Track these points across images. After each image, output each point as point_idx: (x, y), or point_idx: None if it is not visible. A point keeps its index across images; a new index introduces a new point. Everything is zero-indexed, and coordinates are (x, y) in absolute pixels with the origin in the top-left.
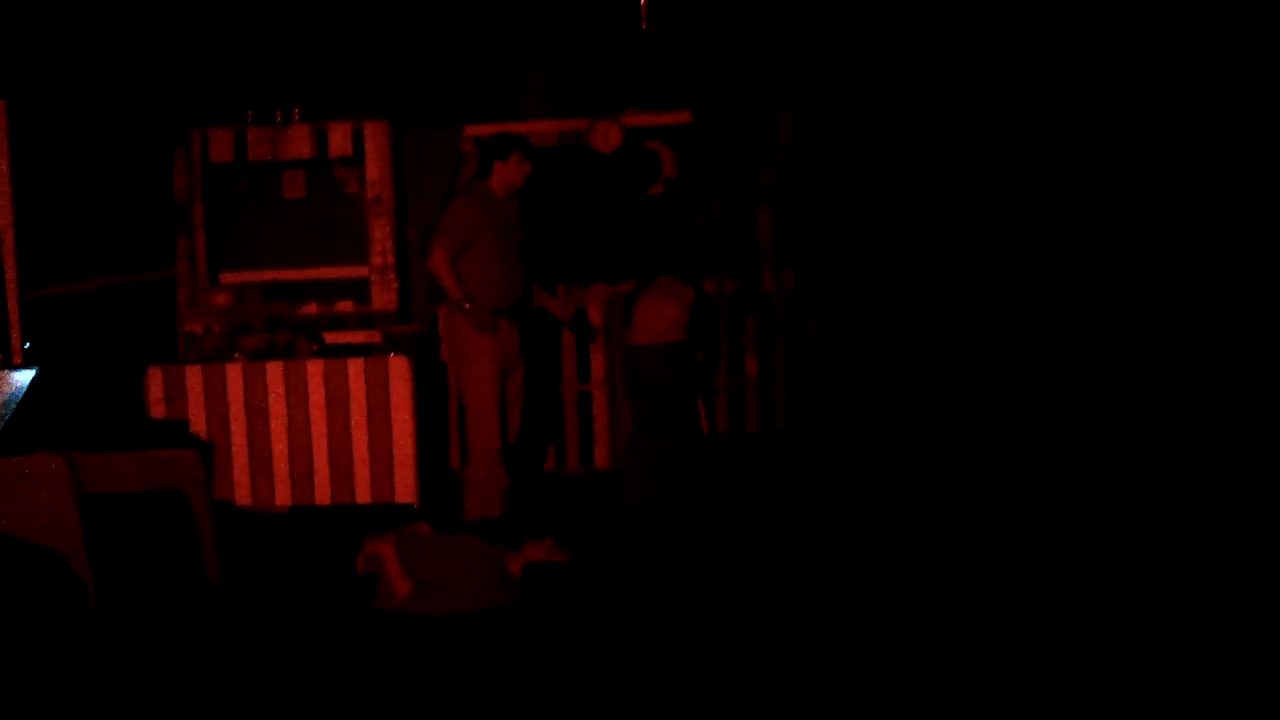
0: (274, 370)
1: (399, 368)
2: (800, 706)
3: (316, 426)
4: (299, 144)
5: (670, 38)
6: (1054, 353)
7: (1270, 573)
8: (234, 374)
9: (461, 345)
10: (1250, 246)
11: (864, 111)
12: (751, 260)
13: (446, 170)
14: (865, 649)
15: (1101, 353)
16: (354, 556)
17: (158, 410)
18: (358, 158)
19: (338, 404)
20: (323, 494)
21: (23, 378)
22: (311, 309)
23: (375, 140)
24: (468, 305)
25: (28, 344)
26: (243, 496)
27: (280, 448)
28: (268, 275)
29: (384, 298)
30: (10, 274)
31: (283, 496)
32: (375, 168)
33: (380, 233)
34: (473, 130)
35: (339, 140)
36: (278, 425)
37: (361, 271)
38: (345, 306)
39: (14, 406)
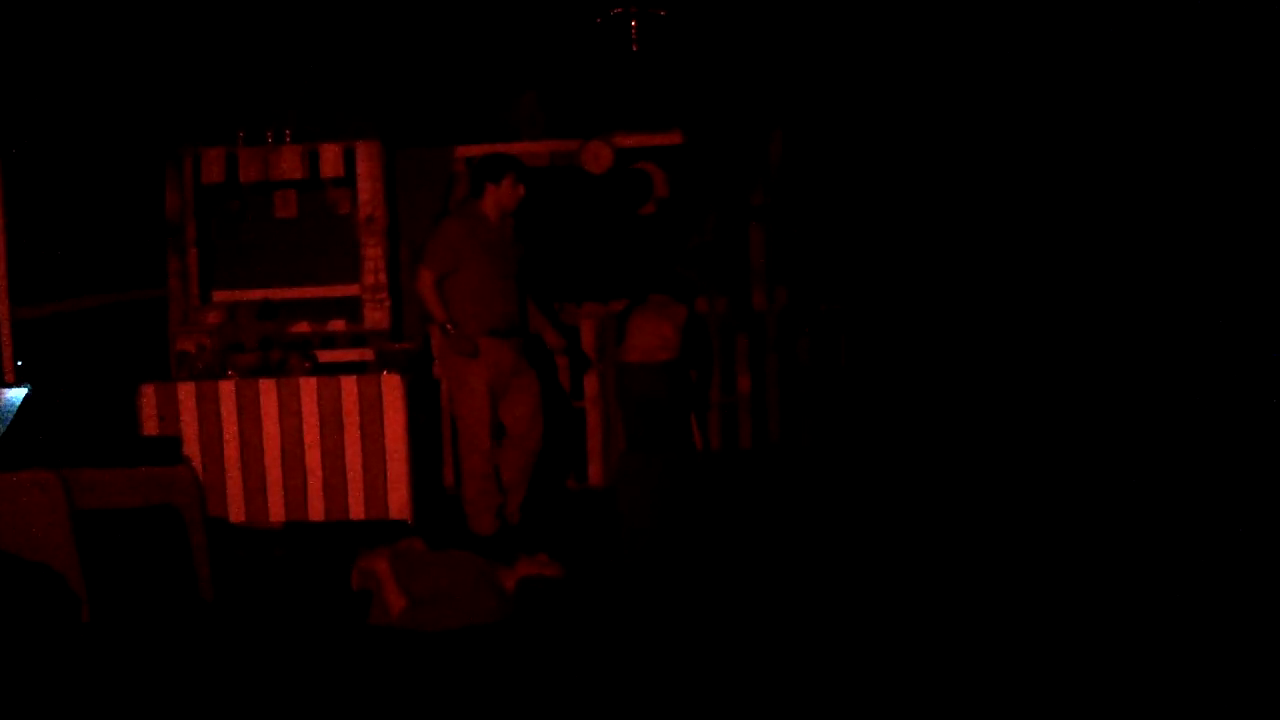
0: (267, 388)
1: (392, 385)
2: (793, 716)
3: (310, 443)
4: (291, 164)
5: (661, 59)
6: (1046, 366)
7: (1270, 573)
8: (227, 391)
9: (452, 366)
10: (1250, 249)
11: (854, 131)
12: (743, 279)
13: (438, 190)
14: (858, 663)
15: (1095, 362)
16: (348, 572)
17: (151, 427)
18: (349, 178)
19: (331, 421)
20: (316, 510)
21: (15, 395)
22: (304, 327)
23: (367, 160)
24: (450, 328)
25: (20, 362)
26: (236, 513)
27: (274, 464)
28: (260, 294)
29: (376, 316)
30: (2, 292)
31: (276, 513)
32: (367, 188)
33: (372, 252)
34: (464, 151)
35: (331, 160)
36: (271, 442)
37: (353, 290)
38: (337, 325)
39: (6, 423)
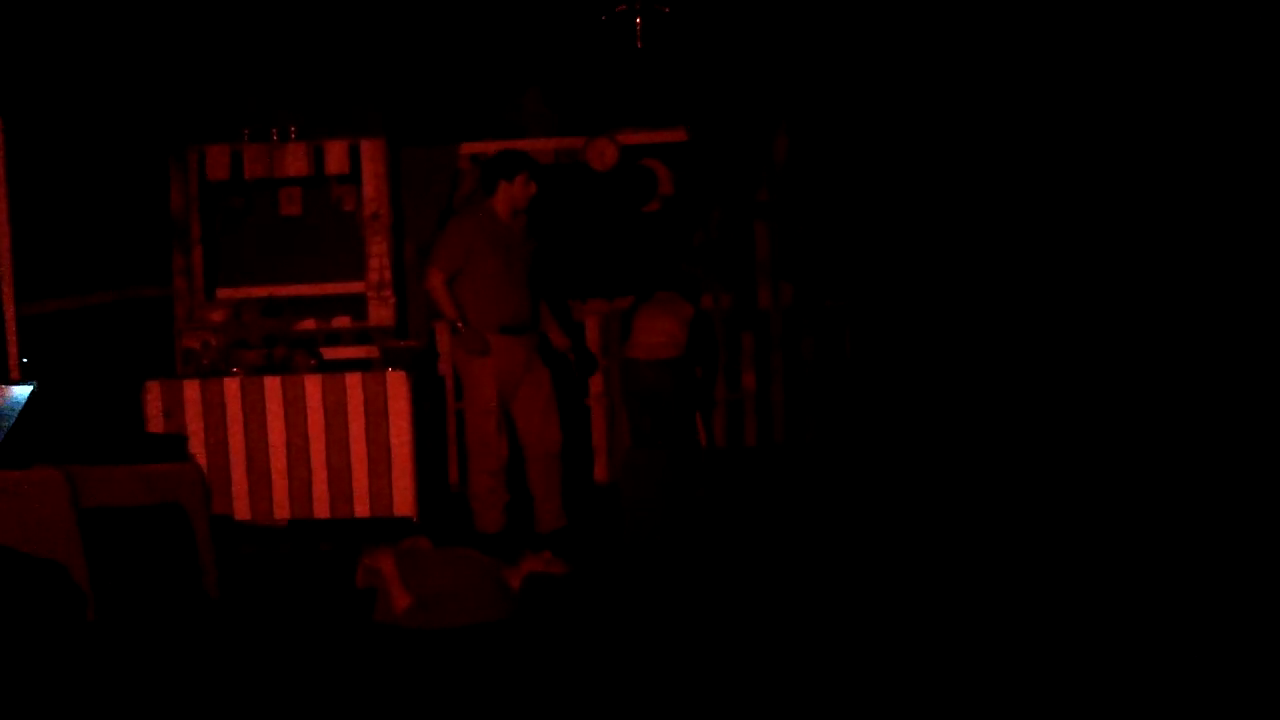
0: (272, 385)
1: (397, 382)
2: (797, 713)
3: (315, 440)
4: (296, 161)
5: (666, 56)
6: (1051, 363)
7: (1270, 573)
8: (232, 389)
9: (462, 364)
10: (1248, 250)
11: (859, 127)
12: (748, 276)
13: (443, 187)
14: (861, 659)
15: (1099, 362)
16: (353, 570)
17: (156, 425)
18: (354, 175)
19: (336, 418)
20: (321, 508)
21: (21, 392)
22: (309, 324)
23: (372, 157)
24: (461, 326)
25: (25, 359)
26: (241, 510)
27: (279, 462)
28: (265, 291)
29: (381, 313)
30: (7, 289)
31: (281, 510)
32: (372, 185)
33: (377, 249)
34: (469, 148)
35: (336, 157)
36: (276, 439)
37: (358, 287)
38: (342, 322)
39: (12, 421)
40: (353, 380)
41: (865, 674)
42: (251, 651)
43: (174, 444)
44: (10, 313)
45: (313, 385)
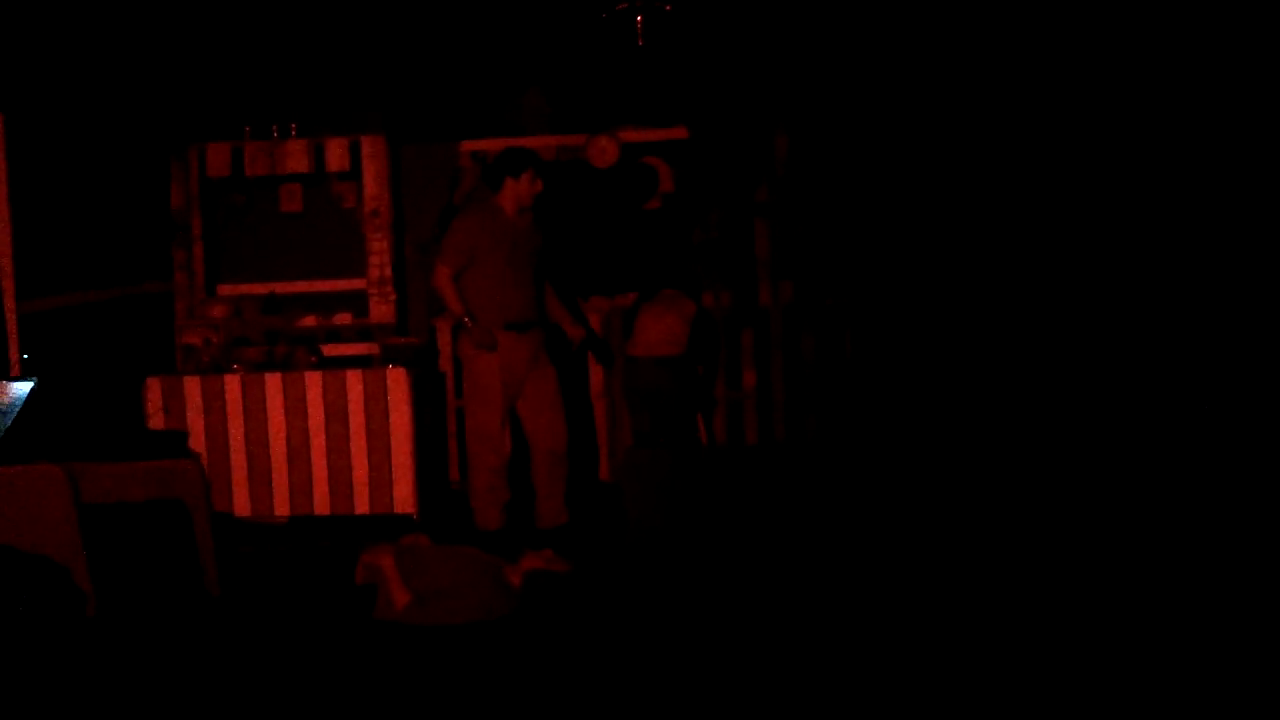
0: (272, 381)
1: (398, 379)
2: (798, 712)
3: (315, 437)
4: (296, 158)
5: (666, 54)
6: (1051, 362)
7: (1270, 573)
8: (232, 385)
9: (468, 360)
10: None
11: (860, 126)
12: (749, 273)
13: (444, 184)
14: (863, 657)
15: (1099, 362)
16: (353, 567)
17: (156, 421)
18: (355, 172)
19: (336, 415)
20: (322, 505)
21: (21, 388)
22: (309, 321)
23: (372, 154)
24: (468, 322)
25: (26, 355)
26: (242, 507)
27: (279, 459)
28: (266, 288)
29: (382, 310)
30: (8, 285)
31: (282, 507)
32: (372, 182)
33: (378, 246)
34: (470, 145)
35: (336, 155)
36: (276, 436)
37: (359, 284)
38: (343, 319)
39: (12, 417)
40: (353, 377)
41: (865, 671)
42: (251, 648)
43: (174, 440)
44: (11, 309)
45: (313, 382)
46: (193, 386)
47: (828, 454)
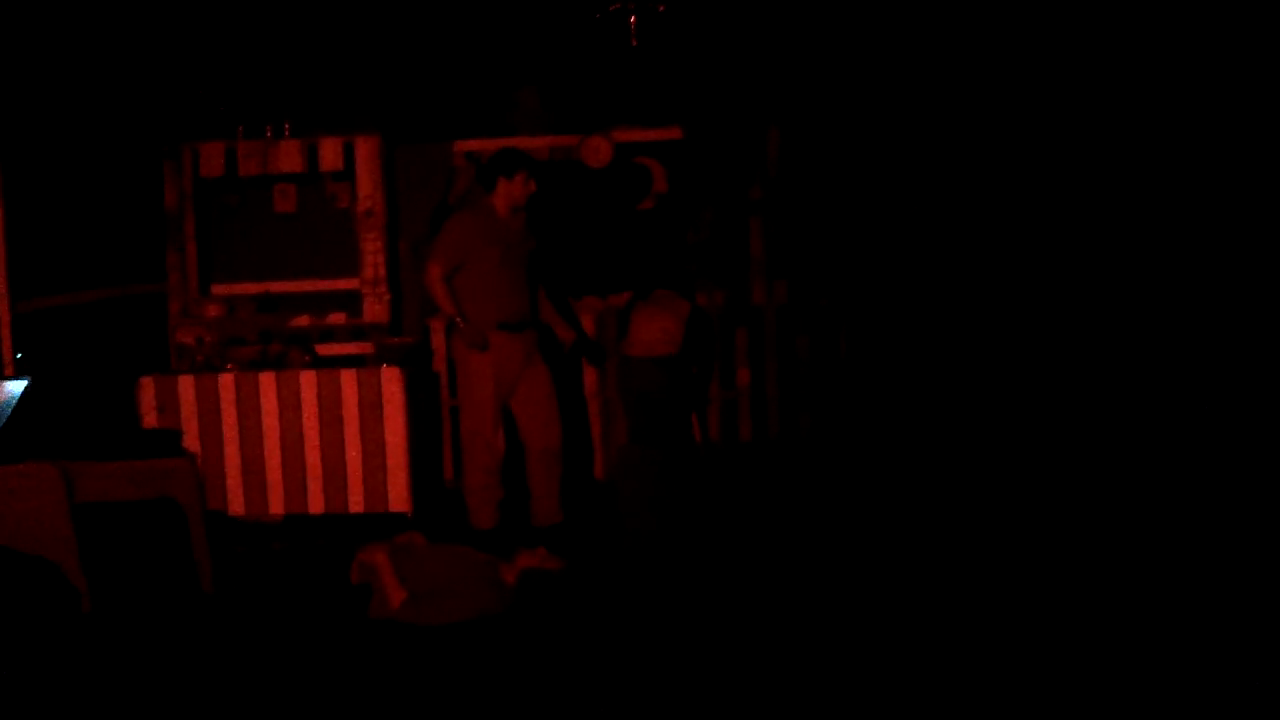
0: (266, 381)
1: (391, 378)
2: (793, 711)
3: (309, 436)
4: (290, 158)
5: (660, 54)
6: (1047, 360)
7: (1270, 573)
8: (226, 384)
9: (460, 360)
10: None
11: (853, 125)
12: (743, 273)
13: (437, 184)
14: (858, 656)
15: (1094, 357)
16: (347, 566)
17: (150, 420)
18: (348, 172)
19: (330, 414)
20: (316, 503)
21: (15, 387)
22: (303, 321)
23: (366, 154)
24: (460, 322)
25: (19, 355)
26: (236, 506)
27: (273, 457)
28: (260, 287)
29: (375, 310)
30: (2, 286)
31: (276, 506)
32: (366, 182)
33: (371, 246)
34: (463, 145)
35: (330, 155)
36: (271, 435)
37: (353, 284)
38: (337, 318)
39: (6, 417)
40: (347, 376)
41: (862, 669)
42: (246, 647)
43: (168, 439)
44: (5, 309)
45: (307, 381)
46: (187, 386)
47: (822, 452)
